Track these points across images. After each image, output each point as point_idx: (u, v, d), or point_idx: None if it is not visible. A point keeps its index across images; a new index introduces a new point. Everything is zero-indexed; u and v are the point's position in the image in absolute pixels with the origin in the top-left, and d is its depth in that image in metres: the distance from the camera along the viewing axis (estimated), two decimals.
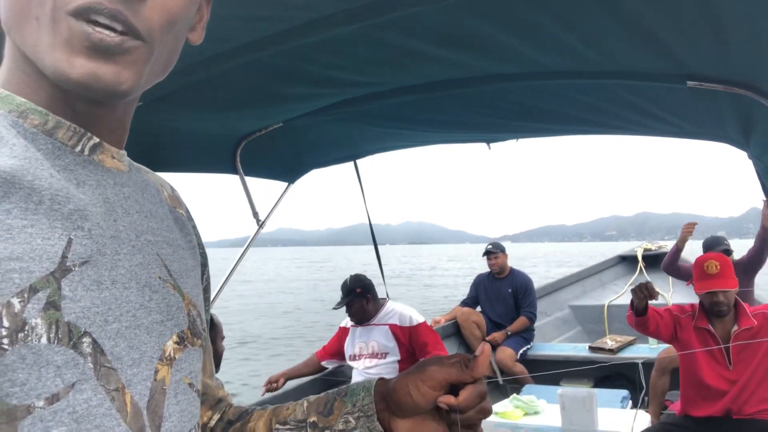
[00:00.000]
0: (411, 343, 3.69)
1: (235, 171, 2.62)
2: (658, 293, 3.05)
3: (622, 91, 1.82)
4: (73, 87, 0.51)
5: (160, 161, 2.31)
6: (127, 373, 0.51)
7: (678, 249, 4.96)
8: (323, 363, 3.95)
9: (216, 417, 0.78)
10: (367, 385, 0.71)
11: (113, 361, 0.50)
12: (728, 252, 4.54)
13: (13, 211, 0.47)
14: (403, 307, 3.82)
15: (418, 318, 3.74)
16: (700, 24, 1.29)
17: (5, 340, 0.43)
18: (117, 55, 0.51)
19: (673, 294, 6.33)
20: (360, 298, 3.72)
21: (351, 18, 1.35)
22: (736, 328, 2.88)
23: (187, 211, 0.75)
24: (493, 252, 5.38)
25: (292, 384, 3.76)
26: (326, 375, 3.95)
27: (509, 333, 5.08)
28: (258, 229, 2.88)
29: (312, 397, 0.75)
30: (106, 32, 0.49)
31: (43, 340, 0.45)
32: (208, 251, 0.81)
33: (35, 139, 0.53)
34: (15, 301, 0.44)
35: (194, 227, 0.74)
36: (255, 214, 2.84)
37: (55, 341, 0.46)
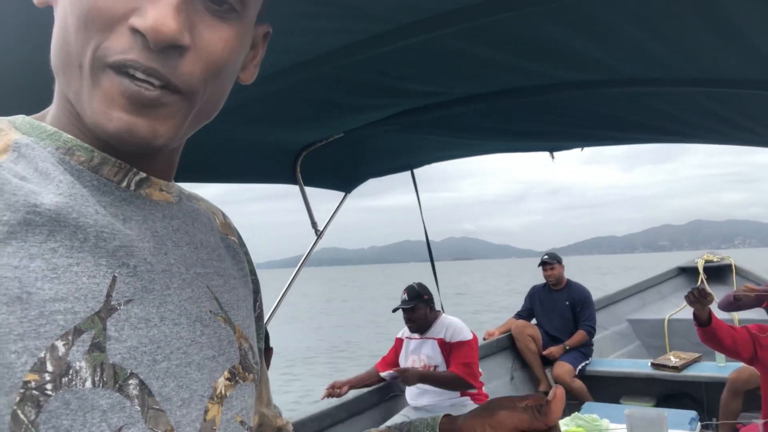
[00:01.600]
0: (448, 357, 3.63)
1: (295, 181, 2.62)
2: (711, 294, 2.90)
3: (704, 99, 1.72)
4: (110, 138, 0.50)
5: (219, 172, 2.34)
6: (176, 414, 0.50)
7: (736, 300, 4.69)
8: (382, 374, 3.92)
9: None
10: (432, 423, 0.69)
11: (162, 403, 0.49)
12: None
13: (59, 250, 0.46)
14: (454, 322, 3.74)
15: (464, 335, 3.63)
16: None
17: (49, 386, 0.42)
18: (154, 109, 0.50)
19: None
20: (425, 305, 3.69)
21: (424, 28, 1.32)
22: None
23: (239, 237, 0.73)
24: (549, 263, 5.24)
25: (349, 394, 3.75)
26: (382, 386, 3.92)
27: (567, 347, 4.93)
28: (317, 240, 2.87)
29: (374, 431, 0.73)
30: (144, 86, 0.49)
31: (88, 384, 0.44)
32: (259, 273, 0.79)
33: (81, 175, 0.52)
34: (59, 344, 0.43)
35: (246, 253, 0.73)
36: (314, 225, 2.84)
37: (101, 384, 0.45)
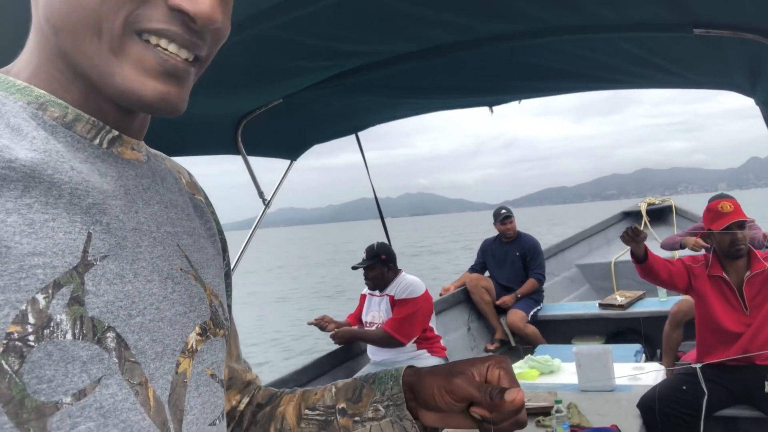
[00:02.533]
0: None
1: (237, 151, 2.60)
2: (643, 232, 3.08)
3: (627, 44, 1.79)
4: (141, 106, 0.52)
5: (159, 146, 2.29)
6: (150, 366, 0.51)
7: (681, 246, 5.06)
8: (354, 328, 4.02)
9: (245, 400, 0.78)
10: (395, 374, 0.71)
11: (137, 355, 0.50)
12: None
13: (35, 206, 0.47)
14: (408, 280, 3.82)
15: (410, 293, 3.71)
16: None
17: (31, 337, 0.43)
18: (183, 79, 0.53)
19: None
20: (382, 266, 3.76)
21: None
22: (748, 273, 2.92)
23: (206, 197, 0.74)
24: (509, 216, 5.39)
25: (310, 357, 3.81)
26: (343, 345, 3.99)
27: (519, 296, 5.11)
28: (264, 209, 2.87)
29: (340, 383, 0.75)
30: (175, 57, 0.52)
31: (69, 336, 0.45)
32: None
33: (55, 131, 0.52)
34: (40, 297, 0.44)
35: (213, 213, 0.74)
36: (261, 194, 2.83)
37: (80, 337, 0.46)
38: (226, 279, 0.74)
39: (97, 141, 0.55)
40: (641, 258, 3.08)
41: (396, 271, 3.86)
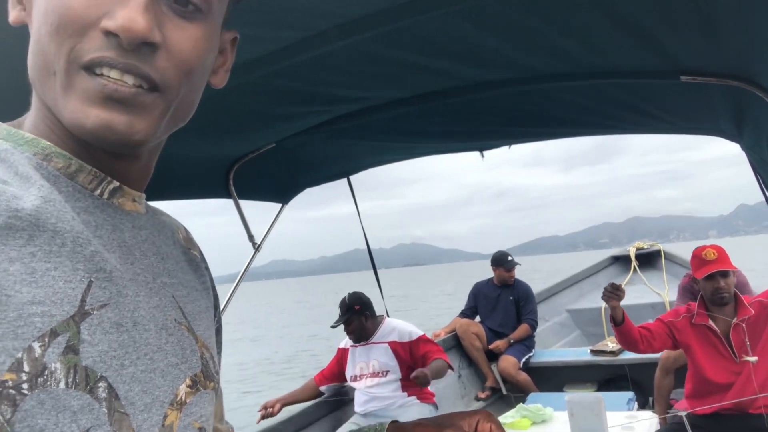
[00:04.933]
0: (412, 357, 3.65)
1: (228, 195, 2.59)
2: (622, 289, 2.96)
3: (615, 90, 1.83)
4: (88, 136, 0.52)
5: (150, 188, 2.28)
6: (138, 418, 0.51)
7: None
8: (321, 388, 3.89)
9: None
10: (379, 429, 0.72)
11: (126, 406, 0.50)
12: None
13: (38, 254, 0.47)
14: (401, 323, 3.79)
15: (416, 332, 3.72)
16: (692, 18, 1.30)
17: (25, 385, 0.43)
18: (131, 105, 0.52)
19: (668, 291, 6.35)
20: (358, 316, 3.69)
21: (343, 34, 1.34)
22: (735, 319, 2.88)
23: (201, 253, 0.75)
24: (516, 264, 5.38)
25: (296, 408, 3.71)
26: (328, 397, 3.89)
27: (512, 341, 5.06)
28: (254, 253, 2.84)
29: None
30: (120, 83, 0.51)
31: (62, 384, 0.45)
32: None
33: (57, 181, 0.54)
34: (36, 345, 0.44)
35: (207, 268, 0.75)
36: (251, 238, 2.81)
37: (73, 386, 0.46)
38: (217, 335, 0.74)
39: (98, 192, 0.57)
40: (618, 320, 3.00)
41: (376, 318, 3.80)
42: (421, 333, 3.73)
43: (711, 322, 2.93)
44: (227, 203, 2.67)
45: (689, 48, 1.47)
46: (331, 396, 3.93)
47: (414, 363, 3.63)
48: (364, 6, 1.25)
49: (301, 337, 19.05)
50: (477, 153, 2.72)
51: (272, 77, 1.56)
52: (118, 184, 0.59)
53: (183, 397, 0.57)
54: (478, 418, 0.69)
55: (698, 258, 2.98)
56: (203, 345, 0.64)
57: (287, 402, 3.77)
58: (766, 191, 2.16)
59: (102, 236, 0.55)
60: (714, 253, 2.94)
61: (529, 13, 1.30)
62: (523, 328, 5.14)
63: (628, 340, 3.06)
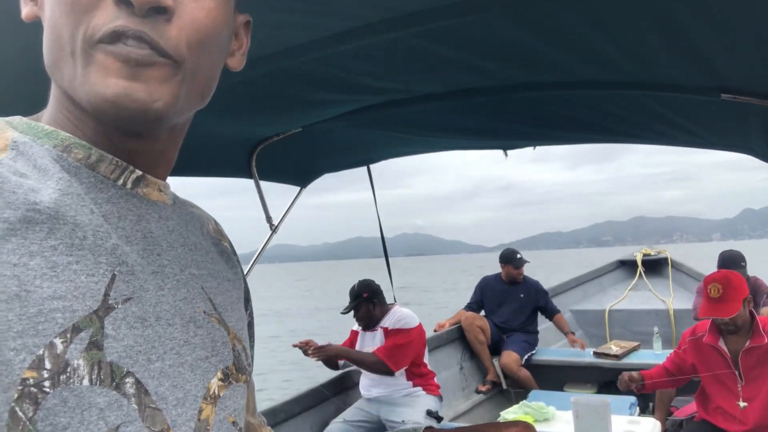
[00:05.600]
0: None
1: (250, 175, 2.59)
2: (636, 380, 3.12)
3: (652, 102, 1.81)
4: (108, 107, 0.50)
5: (174, 165, 2.28)
6: (171, 413, 0.50)
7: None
8: (340, 363, 3.95)
9: None
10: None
11: (158, 402, 0.49)
12: (743, 273, 4.44)
13: (59, 248, 0.46)
14: (402, 312, 3.78)
15: (405, 323, 3.67)
16: (742, 37, 1.28)
17: (47, 383, 0.42)
18: (147, 71, 0.51)
19: (674, 299, 6.35)
20: (367, 303, 3.72)
21: (390, 28, 1.33)
22: (748, 343, 2.82)
23: (231, 245, 0.74)
24: (525, 261, 5.38)
25: (302, 389, 3.75)
26: (335, 379, 3.93)
27: (571, 332, 5.18)
28: (271, 234, 2.85)
29: None
30: (134, 46, 0.50)
31: (86, 381, 0.44)
32: None
33: (78, 173, 0.53)
34: (58, 341, 0.43)
35: (238, 261, 0.74)
36: (269, 219, 2.81)
37: (98, 382, 0.45)
38: (249, 329, 0.73)
39: (120, 181, 0.55)
40: (642, 389, 3.11)
41: (385, 306, 3.82)
42: (412, 325, 3.67)
43: (721, 345, 2.90)
44: (236, 185, 2.66)
45: (734, 67, 1.45)
46: (338, 379, 3.96)
47: None
48: (416, 2, 1.23)
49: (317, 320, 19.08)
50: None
51: (309, 64, 1.55)
52: (141, 173, 0.57)
53: (216, 391, 0.57)
54: (516, 430, 0.69)
55: (705, 290, 2.85)
56: (235, 336, 0.63)
57: (324, 355, 3.73)
58: None
59: (125, 227, 0.54)
60: (718, 290, 2.74)
61: (581, 19, 1.28)
62: (561, 318, 5.26)
63: (657, 387, 3.17)
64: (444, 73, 1.69)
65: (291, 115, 2.14)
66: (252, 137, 2.38)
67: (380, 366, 3.56)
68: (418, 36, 1.39)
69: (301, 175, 2.91)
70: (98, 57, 0.50)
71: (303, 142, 2.46)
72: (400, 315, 3.73)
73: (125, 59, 0.50)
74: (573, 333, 5.20)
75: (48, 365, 0.42)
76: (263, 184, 2.72)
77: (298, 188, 3.01)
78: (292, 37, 1.38)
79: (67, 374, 0.43)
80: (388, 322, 3.72)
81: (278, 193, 3.01)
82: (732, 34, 1.28)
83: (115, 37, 0.50)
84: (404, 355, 3.61)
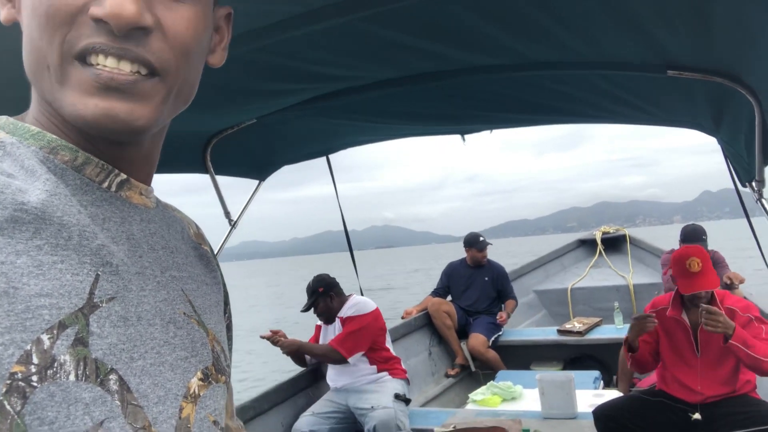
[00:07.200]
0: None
1: (205, 170, 2.54)
2: (651, 321, 2.96)
3: (600, 81, 1.84)
4: (89, 126, 0.51)
5: None
6: (153, 410, 0.51)
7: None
8: (307, 358, 3.94)
9: None
10: None
11: (139, 399, 0.50)
12: (705, 247, 4.57)
13: (44, 247, 0.47)
14: (357, 300, 3.79)
15: (358, 310, 3.68)
16: (688, 14, 1.30)
17: (35, 377, 0.43)
18: (130, 93, 0.51)
19: (633, 274, 6.53)
20: (324, 297, 3.72)
21: (339, 11, 1.31)
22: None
23: (211, 249, 0.76)
24: (488, 244, 5.46)
25: (270, 384, 3.72)
26: (303, 373, 3.91)
27: (509, 315, 5.28)
28: (231, 229, 2.80)
29: None
30: (116, 71, 0.50)
31: (72, 377, 0.45)
32: None
33: (64, 174, 0.53)
34: (44, 337, 0.44)
35: (218, 265, 0.75)
36: (227, 214, 2.76)
37: (83, 378, 0.46)
38: (228, 331, 0.74)
39: (105, 184, 0.56)
40: (636, 347, 3.04)
41: (342, 297, 3.82)
42: (366, 311, 3.68)
43: (683, 317, 2.98)
44: (200, 182, 2.61)
45: (679, 43, 1.48)
46: (309, 373, 3.95)
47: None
48: None
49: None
50: (453, 136, 2.72)
51: (259, 53, 1.52)
52: (125, 176, 0.58)
53: (196, 390, 0.58)
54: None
55: (681, 266, 2.88)
56: (214, 338, 0.64)
57: (292, 349, 3.76)
58: (737, 182, 2.22)
59: (110, 229, 0.55)
60: (698, 264, 2.81)
61: (527, 1, 1.29)
62: (511, 304, 5.35)
63: (641, 363, 3.10)
64: (396, 58, 1.68)
65: (244, 107, 2.10)
66: (205, 130, 2.33)
67: (333, 354, 3.56)
68: (367, 20, 1.37)
69: (258, 169, 2.87)
70: (74, 75, 0.50)
71: (258, 133, 2.42)
72: (354, 302, 3.75)
73: (105, 83, 0.50)
74: (507, 315, 5.27)
75: (36, 360, 0.43)
76: (223, 179, 2.68)
77: (257, 182, 2.97)
78: (238, 24, 1.35)
79: (54, 369, 0.44)
80: (344, 311, 3.74)
81: (245, 188, 2.97)
82: (676, 11, 1.30)
83: (94, 52, 0.50)
84: (357, 340, 3.60)
